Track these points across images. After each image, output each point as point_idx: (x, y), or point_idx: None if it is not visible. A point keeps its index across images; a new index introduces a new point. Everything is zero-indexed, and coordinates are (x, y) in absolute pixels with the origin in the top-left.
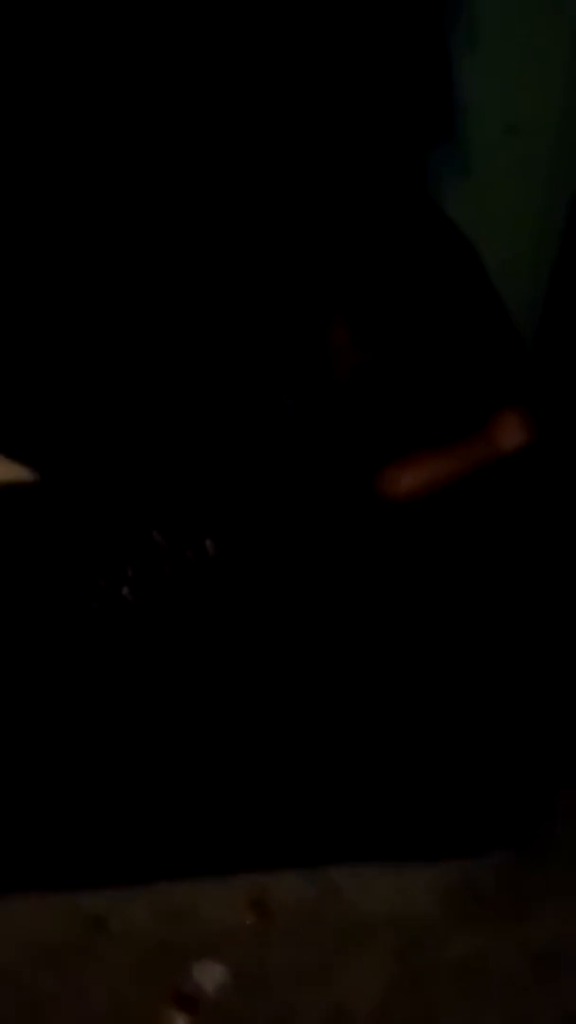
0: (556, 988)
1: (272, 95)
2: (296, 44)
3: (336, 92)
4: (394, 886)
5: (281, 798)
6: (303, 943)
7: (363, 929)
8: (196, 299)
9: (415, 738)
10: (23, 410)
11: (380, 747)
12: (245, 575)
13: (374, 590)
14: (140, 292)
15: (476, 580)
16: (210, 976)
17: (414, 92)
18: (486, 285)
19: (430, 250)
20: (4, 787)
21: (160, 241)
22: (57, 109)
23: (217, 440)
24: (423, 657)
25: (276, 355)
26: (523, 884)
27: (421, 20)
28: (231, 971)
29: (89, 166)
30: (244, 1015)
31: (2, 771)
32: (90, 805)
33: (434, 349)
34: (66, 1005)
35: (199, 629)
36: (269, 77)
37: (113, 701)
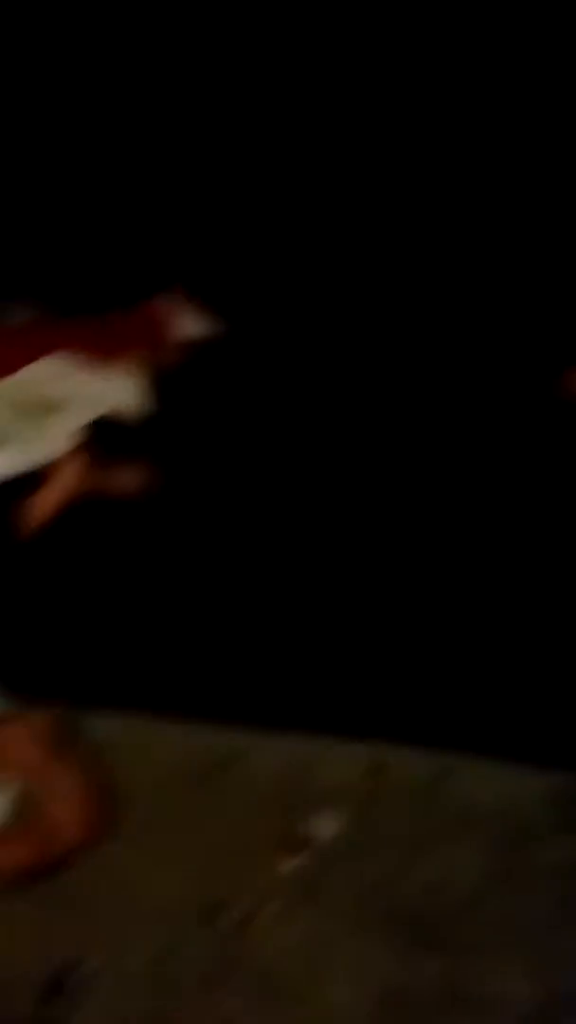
0: None
1: None
2: None
3: None
4: (507, 783)
5: (414, 676)
6: (412, 816)
7: (469, 816)
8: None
9: (548, 647)
10: (217, 261)
11: (513, 651)
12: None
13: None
14: None
15: None
16: (322, 827)
17: None
18: None
19: None
20: (171, 617)
21: None
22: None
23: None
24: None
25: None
26: None
27: None
28: (342, 827)
29: None
30: (349, 871)
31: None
32: (243, 644)
33: None
34: (184, 830)
35: (363, 504)
36: None
37: (270, 554)
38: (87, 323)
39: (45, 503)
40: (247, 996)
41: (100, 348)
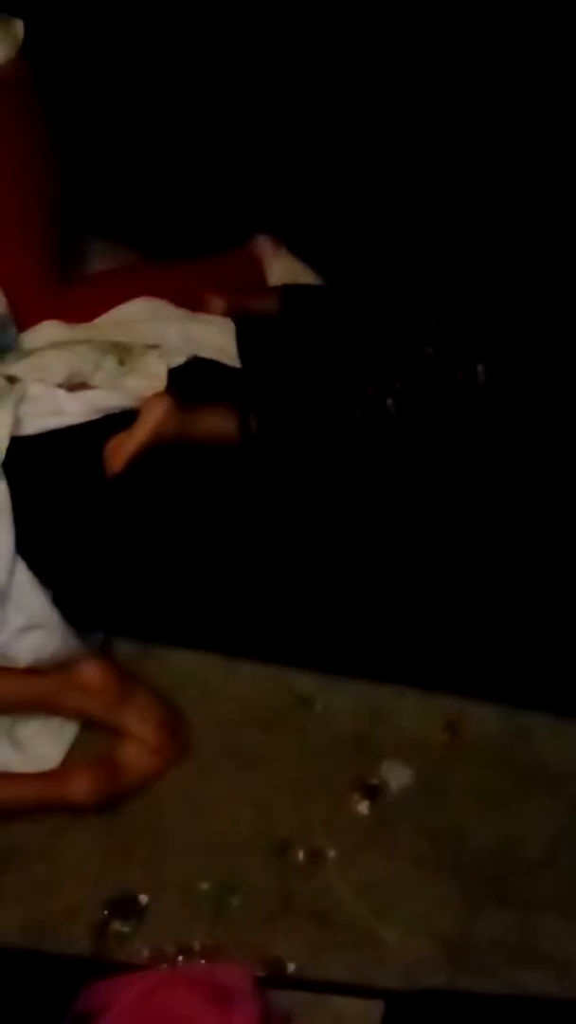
0: None
1: None
2: None
3: None
4: None
5: (497, 632)
6: (488, 772)
7: (547, 776)
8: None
9: None
10: (314, 209)
11: None
12: (511, 408)
13: None
14: None
15: None
16: (396, 775)
17: None
18: None
19: None
20: (254, 562)
21: None
22: None
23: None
24: None
25: None
26: None
27: None
28: (416, 777)
29: None
30: (422, 818)
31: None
32: (322, 590)
33: None
34: (265, 766)
35: (455, 453)
36: None
37: (354, 504)
38: (181, 266)
39: (132, 443)
40: (306, 934)
41: (193, 291)
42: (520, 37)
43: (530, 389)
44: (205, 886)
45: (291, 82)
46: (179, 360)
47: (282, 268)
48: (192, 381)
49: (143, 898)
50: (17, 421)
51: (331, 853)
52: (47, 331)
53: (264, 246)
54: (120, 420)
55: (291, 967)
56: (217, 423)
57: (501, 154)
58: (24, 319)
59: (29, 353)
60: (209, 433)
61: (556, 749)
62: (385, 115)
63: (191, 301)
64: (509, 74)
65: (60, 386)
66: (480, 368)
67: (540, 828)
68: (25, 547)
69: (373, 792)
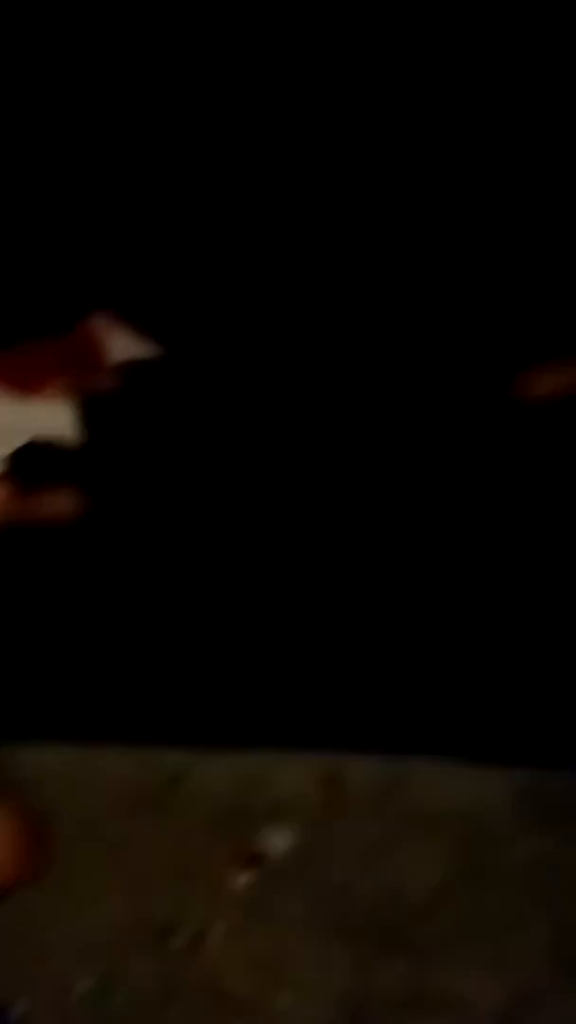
0: None
1: None
2: None
3: None
4: (467, 783)
5: (367, 682)
6: (370, 824)
7: (431, 819)
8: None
9: (507, 643)
10: (152, 284)
11: (472, 648)
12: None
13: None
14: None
15: None
16: (276, 841)
17: None
18: None
19: None
20: (105, 642)
21: None
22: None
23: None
24: (526, 558)
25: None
26: None
27: None
28: (296, 840)
29: None
30: (305, 881)
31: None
32: (181, 664)
33: None
34: (138, 852)
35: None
36: None
37: (207, 573)
38: (16, 350)
39: None
40: (197, 1020)
41: (27, 376)
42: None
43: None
44: (84, 986)
45: (119, 159)
46: (13, 446)
47: (122, 345)
48: (32, 464)
49: (19, 1005)
50: None
51: (215, 932)
52: None
53: (102, 324)
54: None
55: None
56: (58, 504)
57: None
58: None
59: None
60: (51, 515)
61: (434, 791)
62: (212, 191)
63: (29, 384)
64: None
65: None
66: (331, 426)
67: (424, 873)
68: None
69: (254, 861)
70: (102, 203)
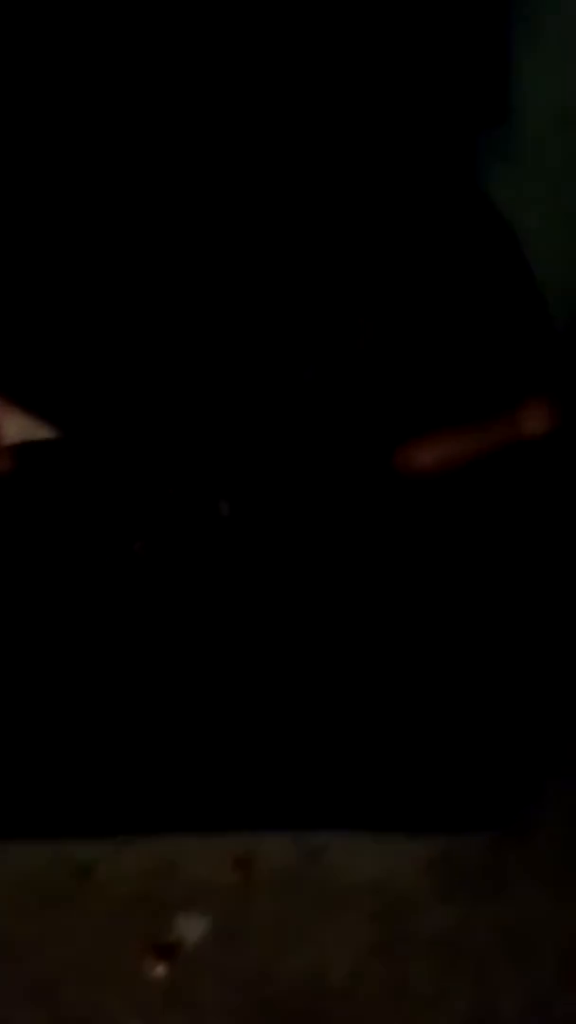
0: (525, 967)
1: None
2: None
3: (387, 61)
4: (378, 855)
5: (273, 762)
6: (284, 904)
7: (344, 895)
8: (221, 267)
9: (408, 714)
10: (43, 365)
11: (373, 720)
12: (256, 539)
13: (380, 564)
14: (162, 257)
15: (481, 560)
16: (191, 928)
17: (468, 68)
18: (523, 270)
19: (467, 233)
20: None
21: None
22: (57, 103)
23: (236, 405)
24: (421, 633)
25: (298, 324)
26: (505, 864)
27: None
28: (212, 925)
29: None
30: (222, 968)
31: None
32: (84, 757)
33: (462, 332)
34: (48, 949)
35: (207, 588)
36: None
37: (114, 654)
38: None
39: None
40: None
41: None
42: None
43: (274, 518)
44: None
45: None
46: None
47: (14, 426)
48: None
49: None
50: None
51: None
52: None
53: None
54: None
55: None
56: None
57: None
58: None
59: None
60: None
61: (349, 865)
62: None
63: None
64: None
65: None
66: (223, 504)
67: (343, 950)
68: None
69: (170, 951)
70: None
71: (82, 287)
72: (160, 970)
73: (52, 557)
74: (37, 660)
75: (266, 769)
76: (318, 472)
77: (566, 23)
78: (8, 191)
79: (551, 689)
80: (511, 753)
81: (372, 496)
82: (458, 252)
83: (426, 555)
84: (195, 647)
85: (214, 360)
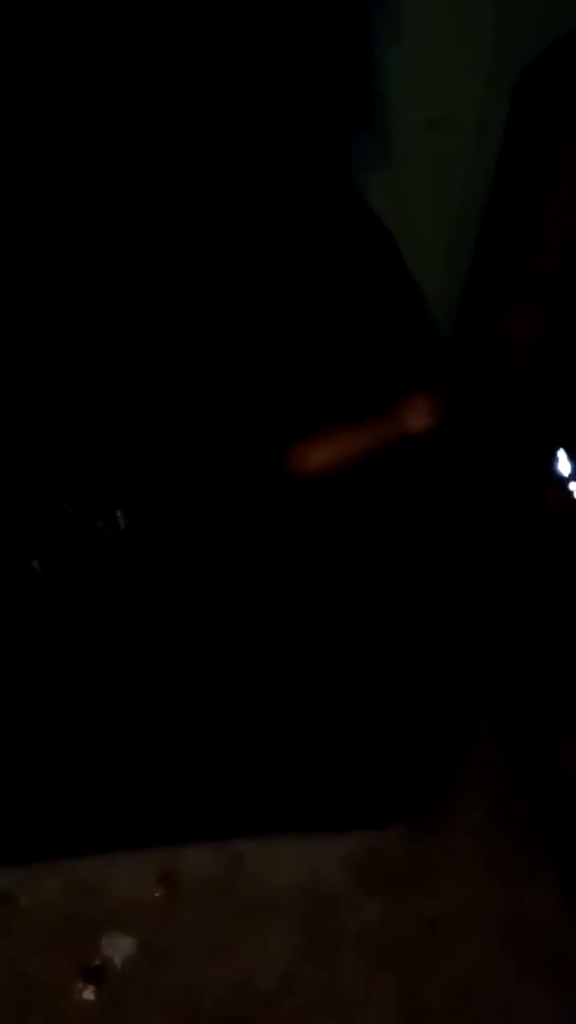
0: (449, 955)
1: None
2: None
3: (253, 70)
4: (300, 857)
5: (186, 773)
6: (211, 915)
7: (270, 900)
8: (100, 278)
9: (318, 714)
10: None
11: (284, 722)
12: (155, 548)
13: (279, 565)
14: (45, 266)
15: (376, 556)
16: (118, 949)
17: (334, 75)
18: (402, 273)
19: (346, 235)
20: None
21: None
22: None
23: (126, 414)
24: (324, 632)
25: (183, 331)
26: (423, 855)
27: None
28: (139, 943)
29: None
30: (151, 986)
31: None
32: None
33: (344, 333)
34: None
35: (108, 602)
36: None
37: (18, 675)
38: None
39: None
40: None
41: None
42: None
43: (170, 528)
44: None
45: None
46: None
47: None
48: None
49: None
50: None
51: None
52: None
53: None
54: None
55: None
56: None
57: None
58: None
59: None
60: None
61: (272, 870)
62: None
63: None
64: None
65: None
66: (119, 513)
67: (271, 956)
68: None
69: (98, 974)
70: None
71: None
72: (88, 994)
73: None
74: None
75: (183, 780)
76: (210, 477)
77: (430, 26)
78: None
79: (457, 682)
80: (424, 746)
81: (265, 498)
82: (338, 254)
83: (322, 555)
84: (97, 662)
85: (101, 370)
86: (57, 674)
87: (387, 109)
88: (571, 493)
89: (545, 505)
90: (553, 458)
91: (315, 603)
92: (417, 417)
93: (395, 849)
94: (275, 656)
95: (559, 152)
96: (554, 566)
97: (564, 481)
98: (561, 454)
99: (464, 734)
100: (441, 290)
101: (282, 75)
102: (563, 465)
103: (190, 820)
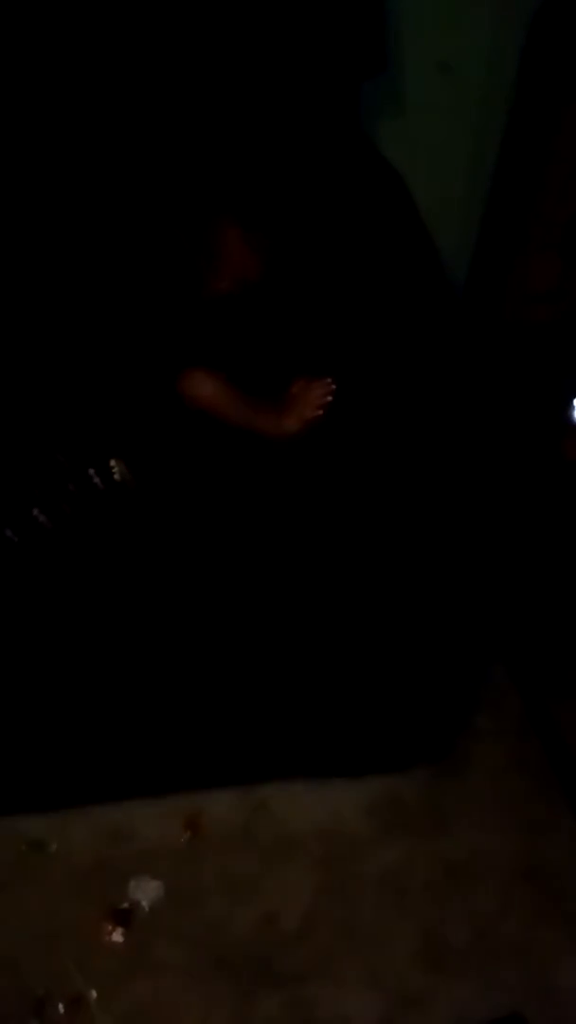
0: (468, 897)
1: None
2: None
3: (266, 13)
4: (321, 801)
5: (209, 719)
6: (235, 858)
7: (291, 843)
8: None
9: (336, 660)
10: None
11: (304, 668)
12: (151, 495)
13: (292, 512)
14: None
15: (395, 503)
16: (145, 891)
17: (346, 19)
18: (414, 220)
19: (357, 182)
20: None
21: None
22: None
23: (119, 364)
24: (343, 577)
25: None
26: (442, 799)
27: None
28: (166, 886)
29: None
30: (178, 926)
31: None
32: (26, 733)
33: (352, 280)
34: (7, 923)
35: (125, 550)
36: None
37: (35, 623)
38: None
39: None
40: None
41: None
42: None
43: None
44: None
45: None
46: None
47: None
48: None
49: None
50: None
51: (93, 993)
52: None
53: None
54: None
55: None
56: None
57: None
58: None
59: None
60: None
61: (293, 814)
62: None
63: None
64: None
65: None
66: (113, 462)
67: (293, 897)
68: None
69: (126, 916)
70: None
71: None
72: (117, 936)
73: None
74: None
75: (206, 726)
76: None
77: None
78: None
79: (474, 627)
80: (441, 691)
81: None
82: (349, 201)
83: (340, 499)
84: (110, 606)
85: (92, 317)
86: (83, 623)
87: (398, 53)
88: None
89: (562, 454)
90: (570, 406)
91: (334, 546)
92: (293, 422)
93: (414, 793)
94: (294, 603)
95: (573, 97)
96: (570, 514)
97: None
98: None
99: (481, 678)
100: (454, 238)
101: (296, 18)
102: None
103: (214, 766)
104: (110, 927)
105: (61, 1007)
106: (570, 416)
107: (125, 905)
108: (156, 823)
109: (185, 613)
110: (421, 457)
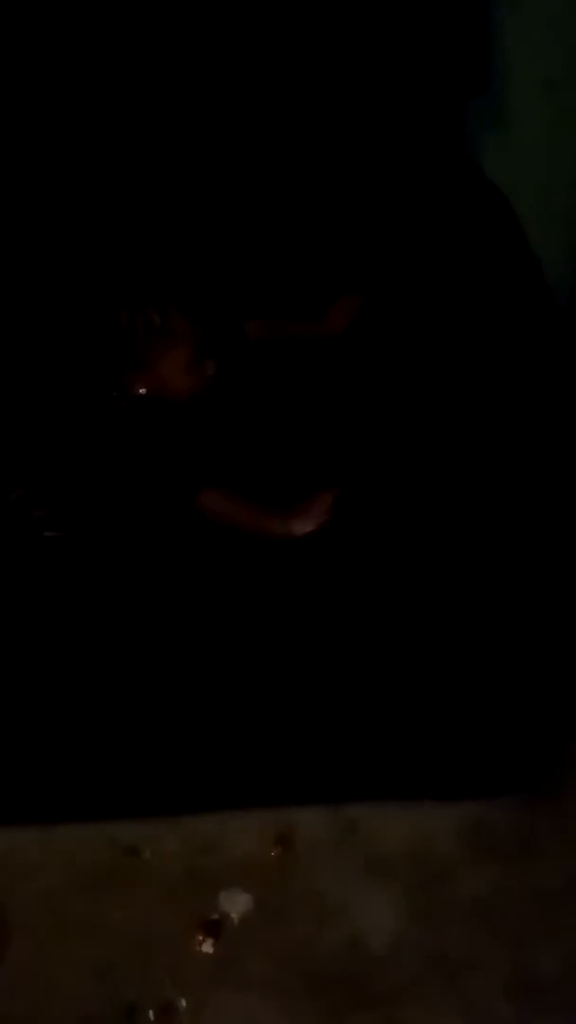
0: (561, 926)
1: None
2: None
3: (369, 35)
4: (412, 824)
5: (302, 735)
6: (324, 876)
7: (381, 864)
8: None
9: (436, 682)
10: None
11: (401, 690)
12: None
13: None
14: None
15: (493, 523)
16: (235, 904)
17: (451, 38)
18: (518, 238)
19: (460, 200)
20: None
21: None
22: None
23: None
24: (436, 592)
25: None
26: (535, 827)
27: None
28: (255, 900)
29: None
30: (267, 940)
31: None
32: (128, 741)
33: (460, 302)
34: (99, 927)
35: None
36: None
37: (129, 638)
38: None
39: None
40: None
41: None
42: None
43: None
44: None
45: None
46: None
47: None
48: None
49: None
50: None
51: (182, 1003)
52: None
53: None
54: None
55: None
56: None
57: None
58: None
59: None
60: None
61: (384, 835)
62: None
63: None
64: None
65: None
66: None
67: (382, 919)
68: None
69: (215, 928)
70: None
71: None
72: (207, 947)
73: None
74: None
75: (299, 742)
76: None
77: None
78: None
79: (571, 653)
80: (538, 717)
81: None
82: (453, 223)
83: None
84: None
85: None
86: (176, 640)
87: (503, 71)
88: None
89: None
90: None
91: (428, 565)
92: (301, 522)
93: (507, 820)
94: (393, 617)
95: None
96: None
97: None
98: None
99: None
100: (561, 259)
101: (400, 37)
102: None
103: (306, 782)
104: (200, 937)
105: (151, 1014)
106: None
107: (215, 916)
108: (247, 836)
109: (275, 625)
110: (522, 473)
